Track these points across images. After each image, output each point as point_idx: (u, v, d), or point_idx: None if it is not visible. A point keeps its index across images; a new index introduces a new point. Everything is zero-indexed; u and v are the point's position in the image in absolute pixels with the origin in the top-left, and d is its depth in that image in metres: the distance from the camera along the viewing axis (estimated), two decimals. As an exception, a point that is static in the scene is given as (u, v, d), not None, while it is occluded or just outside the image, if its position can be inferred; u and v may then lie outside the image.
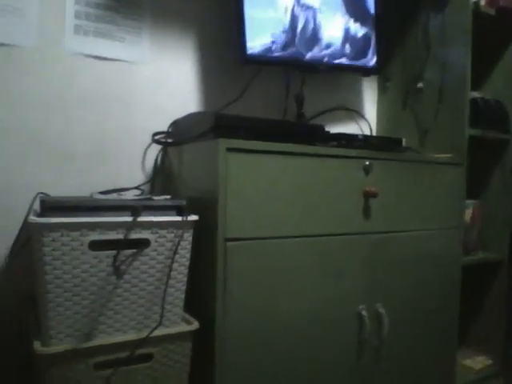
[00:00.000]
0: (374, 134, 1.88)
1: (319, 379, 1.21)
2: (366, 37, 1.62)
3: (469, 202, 1.62)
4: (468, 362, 1.73)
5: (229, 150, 1.03)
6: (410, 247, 1.38)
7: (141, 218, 0.95)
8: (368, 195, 1.26)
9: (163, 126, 1.40)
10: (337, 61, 1.55)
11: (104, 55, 1.33)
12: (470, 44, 1.53)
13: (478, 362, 1.73)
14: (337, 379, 1.24)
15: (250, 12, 1.38)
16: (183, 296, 1.04)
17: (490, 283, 1.78)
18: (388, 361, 1.35)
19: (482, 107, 1.62)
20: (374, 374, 1.32)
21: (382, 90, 1.87)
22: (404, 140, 1.44)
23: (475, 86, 1.76)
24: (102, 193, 1.21)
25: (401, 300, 1.37)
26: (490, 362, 1.74)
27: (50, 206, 0.90)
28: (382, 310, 1.30)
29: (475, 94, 1.65)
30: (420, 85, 1.68)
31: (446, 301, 1.50)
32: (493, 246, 1.75)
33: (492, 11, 1.62)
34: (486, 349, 1.79)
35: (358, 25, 1.60)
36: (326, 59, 1.52)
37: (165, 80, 1.42)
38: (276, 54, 1.42)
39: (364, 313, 1.27)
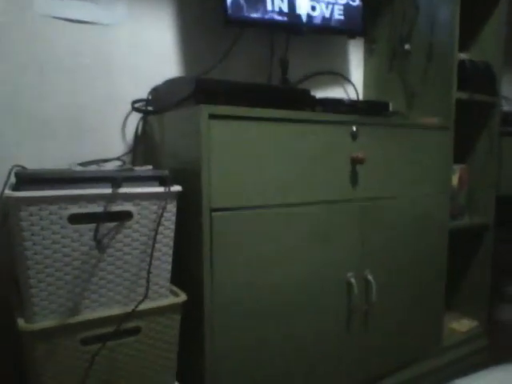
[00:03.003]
0: (361, 98, 1.84)
1: (309, 347, 1.21)
2: (352, -3, 1.56)
3: (456, 166, 1.61)
4: (454, 324, 1.76)
5: (211, 116, 0.99)
6: (397, 213, 1.37)
7: (122, 190, 0.92)
8: (355, 161, 1.23)
9: (143, 92, 1.34)
10: (322, 22, 1.49)
11: (77, 17, 1.26)
12: (458, 4, 1.48)
13: (463, 324, 1.77)
14: (327, 346, 1.25)
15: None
16: (169, 268, 1.02)
17: (475, 247, 1.79)
18: (377, 326, 1.37)
19: (470, 69, 1.59)
20: (364, 339, 1.34)
21: (369, 53, 1.82)
22: (391, 104, 1.41)
23: (464, 48, 1.72)
24: (81, 164, 1.16)
25: (389, 265, 1.37)
26: (475, 323, 1.78)
27: (26, 179, 0.87)
28: (370, 277, 1.31)
29: (463, 56, 1.61)
30: (407, 46, 1.63)
31: (433, 265, 1.51)
32: (479, 209, 1.76)
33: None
34: (471, 311, 1.82)
35: (343, -16, 1.53)
36: (311, 21, 1.46)
37: (143, 44, 1.36)
38: (258, 16, 1.36)
39: (353, 280, 1.27)
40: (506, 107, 1.94)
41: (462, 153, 1.75)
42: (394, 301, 1.41)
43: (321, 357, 1.24)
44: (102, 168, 1.03)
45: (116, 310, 0.95)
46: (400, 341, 1.45)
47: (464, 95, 1.55)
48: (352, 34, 1.62)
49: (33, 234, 0.86)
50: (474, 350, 1.72)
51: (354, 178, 1.25)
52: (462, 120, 1.57)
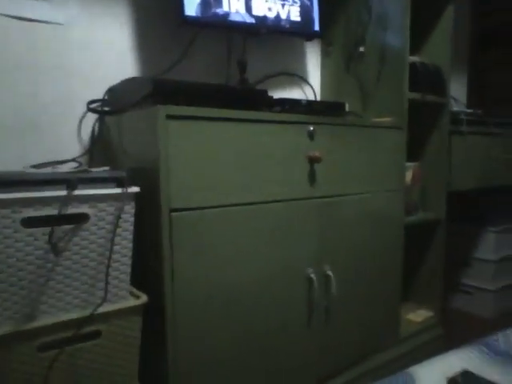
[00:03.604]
0: (318, 98, 1.88)
1: (270, 343, 1.23)
2: (308, 0, 1.59)
3: (409, 164, 1.67)
4: (411, 315, 1.83)
5: (169, 117, 0.99)
6: (354, 210, 1.42)
7: (77, 192, 0.90)
8: (313, 160, 1.26)
9: (99, 93, 1.32)
10: (279, 24, 1.51)
11: (30, 16, 1.22)
12: (408, 9, 1.54)
13: (419, 315, 1.85)
14: (288, 341, 1.27)
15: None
16: (129, 270, 1.01)
17: (429, 241, 1.87)
18: (337, 320, 1.40)
19: (421, 71, 1.66)
20: (324, 333, 1.37)
21: (325, 55, 1.87)
22: (347, 104, 1.45)
23: (415, 50, 1.79)
24: (35, 166, 1.13)
25: (347, 261, 1.42)
26: (430, 314, 1.86)
27: (-26, 182, 0.84)
28: (329, 272, 1.34)
29: (415, 59, 1.68)
30: (362, 49, 1.69)
31: (389, 260, 1.57)
32: (432, 205, 1.84)
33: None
34: (426, 302, 1.90)
35: (299, -13, 1.56)
36: (268, 22, 1.48)
37: (98, 43, 1.33)
38: (215, 16, 1.37)
39: (313, 276, 1.30)
40: (454, 107, 2.03)
41: (414, 151, 1.82)
42: (352, 295, 1.45)
43: (282, 352, 1.26)
44: (57, 170, 1.01)
45: (74, 315, 0.93)
46: (359, 334, 1.50)
47: (416, 96, 1.62)
48: (309, 37, 1.66)
49: (-16, 239, 0.83)
50: (429, 339, 1.79)
51: (311, 177, 1.28)
52: (415, 120, 1.64)
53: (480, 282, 2.26)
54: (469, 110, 2.01)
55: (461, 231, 2.29)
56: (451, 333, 1.89)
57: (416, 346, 1.72)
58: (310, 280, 1.30)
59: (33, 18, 1.23)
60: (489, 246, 2.23)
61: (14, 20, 1.20)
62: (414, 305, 1.92)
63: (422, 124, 1.82)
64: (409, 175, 1.69)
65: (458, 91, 2.50)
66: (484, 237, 2.24)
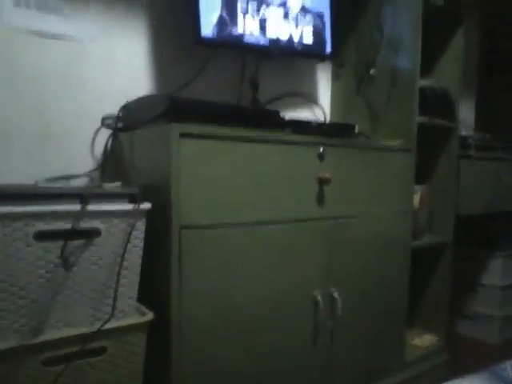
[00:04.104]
0: (328, 119, 1.90)
1: (276, 365, 1.22)
2: (320, 22, 1.61)
3: (417, 186, 1.67)
4: (416, 340, 1.81)
5: (182, 135, 1.00)
6: (362, 232, 1.41)
7: (90, 207, 0.91)
8: (322, 181, 1.27)
9: (113, 109, 1.34)
10: (291, 46, 1.54)
11: (48, 31, 1.25)
12: (420, 33, 1.57)
13: (425, 340, 1.82)
14: (292, 362, 1.26)
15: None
16: (137, 287, 1.01)
17: (435, 264, 1.86)
18: (342, 343, 1.39)
19: (430, 96, 1.67)
20: (329, 355, 1.36)
21: (336, 76, 1.89)
22: (357, 126, 1.46)
23: (425, 72, 1.81)
24: (48, 180, 1.15)
25: (354, 283, 1.41)
26: (436, 339, 1.83)
27: (-11, 194, 0.85)
28: (336, 295, 1.33)
29: (424, 82, 1.70)
30: (373, 71, 1.70)
31: (395, 283, 1.56)
32: (439, 229, 1.83)
33: (441, 1, 1.66)
34: (432, 327, 1.87)
35: (312, 10, 1.59)
36: (280, 44, 1.51)
37: (115, 60, 1.36)
38: (230, 37, 1.39)
39: (319, 298, 1.29)
40: (463, 131, 2.04)
41: (423, 174, 1.82)
42: (358, 317, 1.44)
43: (286, 373, 1.25)
44: (70, 184, 1.02)
45: (81, 330, 0.93)
46: (364, 357, 1.48)
47: (425, 119, 1.63)
48: (320, 58, 1.68)
49: (-4, 252, 0.84)
50: (435, 364, 1.77)
51: (320, 198, 1.29)
52: (423, 143, 1.64)
53: (486, 308, 2.23)
54: (477, 135, 2.02)
55: (468, 256, 2.27)
56: (457, 359, 1.87)
57: (421, 371, 1.70)
58: (316, 301, 1.29)
59: (52, 33, 1.26)
60: (496, 271, 2.21)
61: (34, 35, 1.23)
62: (419, 330, 1.90)
63: (430, 147, 1.82)
64: (417, 198, 1.69)
65: (465, 116, 2.51)
66: (491, 262, 2.22)
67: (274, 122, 1.22)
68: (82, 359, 0.93)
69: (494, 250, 2.23)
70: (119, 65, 1.37)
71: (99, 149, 1.34)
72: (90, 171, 1.31)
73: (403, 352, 1.64)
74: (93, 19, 1.32)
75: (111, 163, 1.34)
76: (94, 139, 1.33)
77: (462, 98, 2.36)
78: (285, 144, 1.19)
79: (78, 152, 1.31)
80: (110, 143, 1.34)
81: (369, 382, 1.51)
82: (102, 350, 0.96)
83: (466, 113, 2.58)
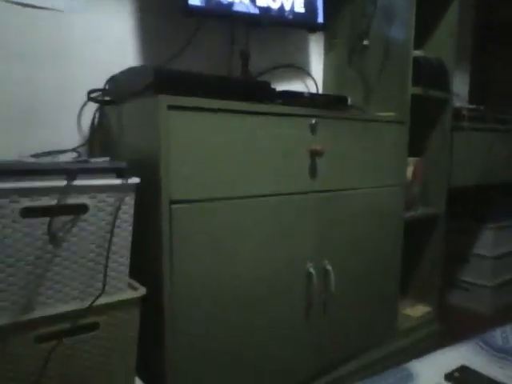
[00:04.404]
0: (321, 91, 1.87)
1: (271, 339, 1.23)
2: (311, -9, 1.57)
3: (410, 159, 1.66)
4: (408, 310, 1.84)
5: (170, 107, 0.97)
6: (354, 204, 1.41)
7: (77, 182, 0.89)
8: (314, 154, 1.25)
9: (100, 82, 1.30)
10: (282, 15, 1.49)
11: (31, 2, 1.20)
12: (413, 3, 1.53)
13: (417, 310, 1.85)
14: (287, 337, 1.27)
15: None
16: (128, 262, 1.00)
17: (428, 236, 1.87)
18: (335, 314, 1.40)
19: (424, 66, 1.64)
20: (322, 327, 1.37)
21: (329, 48, 1.85)
22: (349, 98, 1.43)
23: (418, 44, 1.77)
24: (34, 156, 1.12)
25: (347, 255, 1.41)
26: (428, 309, 1.86)
27: (-28, 171, 0.82)
28: (329, 267, 1.34)
29: (418, 53, 1.66)
30: (366, 42, 1.67)
31: (388, 255, 1.57)
32: (432, 200, 1.83)
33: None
34: (424, 297, 1.90)
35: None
36: (271, 13, 1.46)
37: (100, 31, 1.31)
38: (219, 6, 1.35)
39: (312, 270, 1.29)
40: (457, 103, 2.01)
41: (416, 146, 1.81)
42: (351, 289, 1.45)
43: (280, 346, 1.26)
44: (56, 159, 1.00)
45: (72, 306, 0.92)
46: (357, 328, 1.50)
47: (418, 91, 1.61)
48: (312, 29, 1.64)
49: (-19, 229, 0.82)
50: (427, 334, 1.80)
51: (312, 171, 1.27)
52: (417, 115, 1.62)
53: (478, 278, 2.26)
54: (471, 106, 2.00)
55: (460, 228, 2.28)
56: (449, 328, 1.90)
57: (413, 341, 1.72)
58: (309, 274, 1.29)
59: (33, 3, 1.21)
60: (487, 242, 2.23)
61: (14, 5, 1.18)
62: (412, 300, 1.92)
63: (424, 119, 1.80)
64: (410, 170, 1.68)
65: (460, 87, 2.48)
66: (482, 233, 2.24)
67: (265, 93, 1.19)
68: (75, 335, 0.93)
69: (486, 221, 2.24)
70: (105, 37, 1.32)
71: (86, 123, 1.31)
72: (77, 146, 1.28)
73: (395, 322, 1.66)
74: (75, -12, 1.26)
75: (99, 138, 1.31)
76: (80, 113, 1.30)
77: (457, 69, 2.33)
78: (275, 116, 1.17)
79: (64, 127, 1.28)
80: (97, 117, 1.31)
81: (363, 352, 1.53)
82: (94, 326, 0.95)
83: (461, 84, 2.55)
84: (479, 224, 2.25)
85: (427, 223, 1.84)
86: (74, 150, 1.26)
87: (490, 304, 2.23)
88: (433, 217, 1.81)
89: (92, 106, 1.31)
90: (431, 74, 1.67)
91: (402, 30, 1.56)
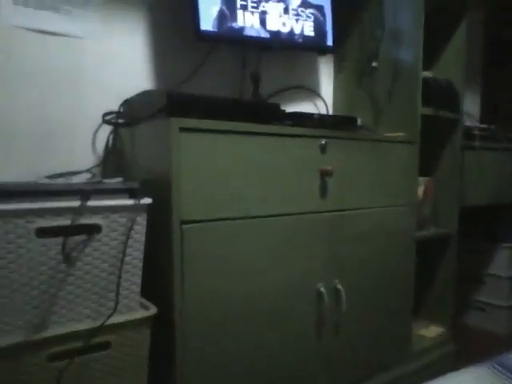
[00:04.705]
0: (331, 112, 1.88)
1: (280, 356, 1.22)
2: (321, 15, 1.60)
3: (421, 178, 1.66)
4: (422, 331, 1.81)
5: (182, 129, 1.00)
6: (365, 224, 1.41)
7: (90, 203, 0.91)
8: (324, 174, 1.26)
9: (114, 105, 1.34)
10: (292, 39, 1.53)
11: (48, 29, 1.25)
12: (422, 25, 1.55)
13: (431, 330, 1.82)
14: (298, 355, 1.26)
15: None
16: (139, 282, 1.01)
17: (440, 256, 1.85)
18: (347, 335, 1.39)
19: (433, 87, 1.66)
20: (334, 347, 1.35)
21: (338, 69, 1.87)
22: (359, 119, 1.45)
23: (427, 65, 1.79)
24: (49, 177, 1.15)
25: (358, 275, 1.40)
26: (441, 330, 1.83)
27: (-9, 192, 0.85)
28: (339, 286, 1.33)
29: (427, 74, 1.68)
30: (375, 64, 1.69)
31: (400, 275, 1.55)
32: (443, 220, 1.82)
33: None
34: (438, 318, 1.87)
35: (313, 3, 1.58)
36: (281, 37, 1.50)
37: (115, 56, 1.36)
38: (230, 31, 1.39)
39: (323, 289, 1.29)
40: (467, 122, 2.02)
41: (427, 166, 1.81)
42: (363, 309, 1.44)
43: (292, 366, 1.25)
44: (71, 180, 1.03)
45: (84, 325, 0.93)
46: (370, 348, 1.48)
47: (428, 111, 1.62)
48: (322, 51, 1.67)
49: (-2, 248, 0.84)
50: (441, 355, 1.76)
51: (323, 190, 1.28)
52: (427, 135, 1.63)
53: (493, 298, 2.22)
54: (482, 126, 2.00)
55: (473, 247, 2.26)
56: (464, 349, 1.86)
57: (428, 363, 1.69)
58: (320, 294, 1.29)
59: (52, 30, 1.26)
60: (502, 262, 2.19)
61: (34, 33, 1.23)
62: (425, 320, 1.89)
63: (434, 139, 1.81)
64: (421, 190, 1.68)
65: (470, 106, 2.48)
66: (497, 253, 2.21)
67: (274, 115, 1.21)
68: (87, 354, 0.93)
69: (500, 241, 2.21)
70: (119, 61, 1.37)
71: (100, 145, 1.34)
72: (91, 167, 1.31)
73: (409, 343, 1.63)
74: (91, 15, 1.31)
75: (113, 159, 1.34)
76: (95, 135, 1.33)
77: (467, 89, 2.33)
78: (285, 137, 1.18)
79: (79, 148, 1.31)
80: (111, 139, 1.34)
81: (375, 373, 1.51)
82: (106, 345, 0.96)
83: (472, 104, 2.56)
84: (492, 243, 2.22)
85: (439, 243, 1.83)
86: (88, 170, 1.29)
87: (506, 324, 2.18)
88: (445, 236, 1.80)
89: (106, 128, 1.34)
90: (441, 95, 1.68)
91: (410, 52, 1.58)
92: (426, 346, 1.72)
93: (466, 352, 1.83)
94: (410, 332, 1.63)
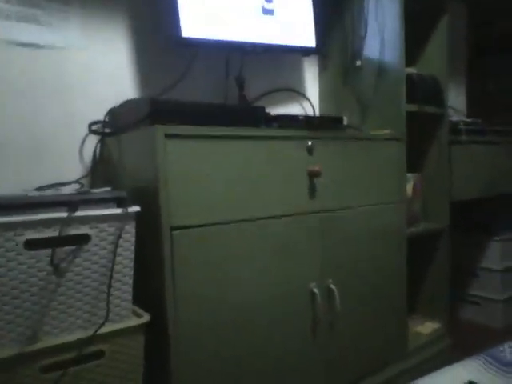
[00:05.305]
0: (317, 113, 1.90)
1: (275, 359, 1.22)
2: (303, 16, 1.61)
3: (410, 175, 1.68)
4: (418, 327, 1.82)
5: (167, 136, 1.00)
6: (356, 223, 1.42)
7: (78, 213, 0.92)
8: (312, 175, 1.27)
9: (100, 114, 1.34)
10: (275, 42, 1.54)
11: (30, 41, 1.25)
12: (403, 22, 1.57)
13: (427, 326, 1.83)
14: (293, 357, 1.26)
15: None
16: (131, 290, 1.01)
17: (433, 251, 1.86)
18: (342, 334, 1.39)
19: (418, 83, 1.67)
20: (329, 348, 1.36)
21: (323, 69, 1.89)
22: (345, 118, 1.46)
23: (411, 62, 1.81)
24: (37, 189, 1.15)
25: (351, 274, 1.41)
26: (437, 325, 1.84)
27: (-22, 206, 0.85)
28: (333, 286, 1.34)
29: (411, 70, 1.70)
30: (358, 63, 1.70)
31: (393, 272, 1.56)
32: (434, 215, 1.83)
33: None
34: (433, 314, 1.88)
35: (295, 5, 1.59)
36: (264, 40, 1.51)
37: (99, 66, 1.36)
38: (212, 37, 1.39)
39: (316, 290, 1.29)
40: (453, 117, 2.03)
41: (415, 162, 1.82)
42: (357, 308, 1.44)
43: (287, 368, 1.25)
44: (59, 192, 1.03)
45: (77, 335, 0.93)
46: (366, 347, 1.48)
47: (413, 107, 1.63)
48: (306, 52, 1.68)
49: (-13, 262, 0.84)
50: (438, 351, 1.77)
51: (312, 191, 1.29)
52: (414, 131, 1.64)
53: (488, 292, 2.24)
54: (468, 120, 2.02)
55: (466, 241, 2.27)
56: (460, 344, 1.87)
57: (425, 359, 1.70)
58: (313, 294, 1.29)
59: (33, 42, 1.26)
60: (495, 255, 2.21)
61: (15, 45, 1.23)
62: (421, 317, 1.90)
63: (421, 135, 1.82)
64: (410, 186, 1.69)
65: (456, 100, 2.51)
66: (489, 246, 2.23)
67: (260, 118, 1.22)
68: (80, 364, 0.93)
69: (492, 234, 2.23)
70: (103, 69, 1.37)
71: (88, 155, 1.34)
72: (80, 178, 1.31)
73: (406, 341, 1.64)
74: (73, 27, 1.32)
75: (101, 169, 1.34)
76: (82, 146, 1.34)
77: (453, 83, 2.36)
78: (272, 139, 1.19)
79: (67, 159, 1.31)
80: (98, 149, 1.34)
81: (372, 372, 1.51)
82: (99, 354, 0.96)
83: (457, 98, 2.58)
84: (486, 237, 2.24)
85: (432, 238, 1.84)
86: (77, 181, 1.29)
87: (500, 318, 2.20)
88: (436, 232, 1.81)
89: (93, 138, 1.34)
90: (425, 91, 1.70)
91: (393, 49, 1.60)
92: (423, 343, 1.73)
93: (461, 346, 1.84)
94: (406, 329, 1.64)
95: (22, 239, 0.87)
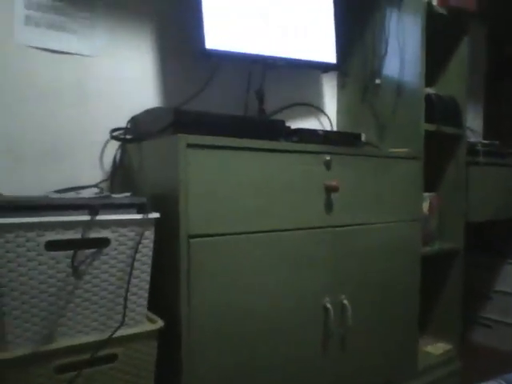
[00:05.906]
0: (335, 128, 1.91)
1: (286, 372, 1.22)
2: (325, 33, 1.64)
3: (426, 194, 1.67)
4: (429, 347, 1.79)
5: (189, 145, 1.02)
6: (371, 239, 1.41)
7: (99, 217, 0.93)
8: (329, 189, 1.28)
9: (122, 121, 1.37)
10: (296, 57, 1.56)
11: (57, 48, 1.29)
12: (424, 42, 1.58)
13: (438, 347, 1.80)
14: (303, 371, 1.26)
15: (210, 4, 1.37)
16: (147, 295, 1.02)
17: (447, 271, 1.84)
18: (353, 350, 1.38)
19: (437, 103, 1.68)
20: (340, 363, 1.35)
21: (342, 86, 1.90)
22: (363, 135, 1.47)
23: (431, 83, 1.82)
24: (58, 192, 1.17)
25: (364, 290, 1.40)
26: (449, 347, 1.81)
27: (2, 205, 0.87)
28: (345, 302, 1.33)
29: (430, 90, 1.70)
30: (378, 81, 1.72)
31: (406, 290, 1.55)
32: (449, 235, 1.82)
33: (444, 10, 1.68)
34: (445, 335, 1.85)
35: (317, 22, 1.61)
36: (285, 55, 1.53)
37: (122, 74, 1.39)
38: (236, 49, 1.42)
39: (329, 305, 1.29)
40: (471, 138, 2.03)
41: (432, 181, 1.82)
42: (369, 325, 1.43)
43: (298, 380, 1.24)
44: (80, 195, 1.05)
45: (92, 337, 0.94)
46: (376, 365, 1.47)
47: (431, 127, 1.63)
48: (325, 69, 1.70)
49: (8, 261, 0.86)
50: (448, 372, 1.74)
51: (328, 206, 1.29)
52: (431, 150, 1.64)
53: (501, 315, 2.20)
54: (486, 141, 2.02)
55: (480, 263, 2.25)
56: (471, 367, 1.84)
57: (434, 380, 1.68)
58: (326, 309, 1.29)
59: (61, 49, 1.30)
60: (509, 278, 2.18)
61: (44, 52, 1.27)
62: (432, 337, 1.88)
63: (438, 155, 1.82)
64: (426, 205, 1.69)
65: (473, 122, 2.50)
66: (504, 269, 2.20)
67: (280, 131, 1.24)
68: (94, 366, 0.94)
69: (506, 257, 2.20)
70: (127, 78, 1.40)
71: (108, 160, 1.37)
72: (99, 182, 1.34)
73: (416, 360, 1.62)
74: (99, 35, 1.35)
75: (120, 174, 1.36)
76: (103, 151, 1.36)
77: (470, 105, 2.36)
78: (291, 153, 1.20)
79: (87, 163, 1.34)
80: (118, 155, 1.37)
81: (381, 391, 1.50)
82: (113, 358, 0.97)
83: (475, 120, 2.57)
84: (499, 259, 2.21)
85: (446, 259, 1.82)
86: (96, 185, 1.32)
87: (513, 342, 2.16)
88: (451, 252, 1.80)
89: (114, 144, 1.37)
90: (444, 111, 1.70)
91: (413, 68, 1.61)
92: (433, 363, 1.70)
93: (473, 369, 1.81)
94: (416, 348, 1.62)
95: (43, 240, 0.89)
